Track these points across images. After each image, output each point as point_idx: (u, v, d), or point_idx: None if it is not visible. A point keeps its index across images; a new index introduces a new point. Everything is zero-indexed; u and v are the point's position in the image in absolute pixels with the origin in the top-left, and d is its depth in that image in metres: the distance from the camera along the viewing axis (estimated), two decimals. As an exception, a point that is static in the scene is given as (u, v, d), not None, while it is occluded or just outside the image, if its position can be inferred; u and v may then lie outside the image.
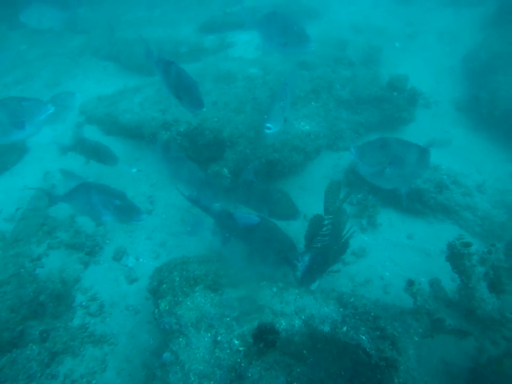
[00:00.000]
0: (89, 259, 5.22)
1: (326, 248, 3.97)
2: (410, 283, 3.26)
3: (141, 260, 5.24)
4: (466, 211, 5.00)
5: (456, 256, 3.19)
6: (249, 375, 3.37)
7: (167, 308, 3.59)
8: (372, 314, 3.24)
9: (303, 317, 3.39)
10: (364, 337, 3.17)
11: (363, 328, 3.20)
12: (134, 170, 5.86)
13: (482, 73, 6.90)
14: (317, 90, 5.92)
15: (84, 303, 4.80)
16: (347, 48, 7.81)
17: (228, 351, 3.23)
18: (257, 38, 9.45)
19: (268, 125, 4.19)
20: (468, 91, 7.04)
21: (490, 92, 6.24)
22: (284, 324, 3.35)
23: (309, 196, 5.40)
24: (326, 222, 4.02)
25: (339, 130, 5.93)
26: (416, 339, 3.20)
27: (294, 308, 3.47)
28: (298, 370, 3.63)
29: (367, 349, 3.15)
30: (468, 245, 3.13)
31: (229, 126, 5.49)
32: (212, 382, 3.14)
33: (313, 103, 5.80)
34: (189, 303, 3.55)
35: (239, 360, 3.22)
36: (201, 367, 3.21)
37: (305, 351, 3.52)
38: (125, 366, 4.34)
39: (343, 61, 7.02)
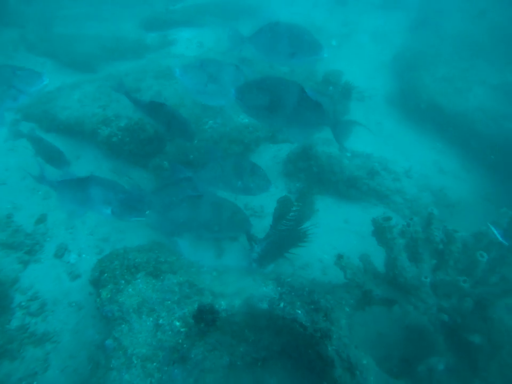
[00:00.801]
0: (29, 258, 5.10)
1: (288, 232, 4.13)
2: (339, 257, 3.50)
3: (84, 255, 5.19)
4: (396, 195, 5.37)
5: (379, 230, 3.47)
6: (193, 356, 3.48)
7: (109, 296, 3.62)
8: (307, 289, 3.45)
9: (242, 296, 3.53)
10: (299, 312, 3.38)
11: (298, 303, 3.41)
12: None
13: (408, 70, 7.42)
14: (255, 85, 6.10)
15: (23, 303, 4.68)
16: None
17: (170, 333, 3.33)
18: (199, 35, 9.59)
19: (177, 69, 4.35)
20: (397, 86, 7.54)
21: (415, 87, 6.74)
22: (223, 304, 3.48)
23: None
24: (294, 208, 4.18)
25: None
26: (348, 310, 3.44)
27: (234, 288, 3.61)
28: (241, 349, 3.78)
29: (303, 322, 3.36)
30: (388, 219, 3.42)
31: (170, 120, 5.55)
32: (154, 364, 3.22)
33: (252, 97, 5.97)
34: (130, 290, 3.60)
35: (180, 341, 3.32)
36: (144, 350, 3.28)
37: (246, 330, 3.67)
38: (69, 362, 4.29)
39: (282, 57, 7.25)
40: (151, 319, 3.43)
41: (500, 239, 3.39)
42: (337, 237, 5.15)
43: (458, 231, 3.39)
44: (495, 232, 3.46)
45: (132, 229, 5.48)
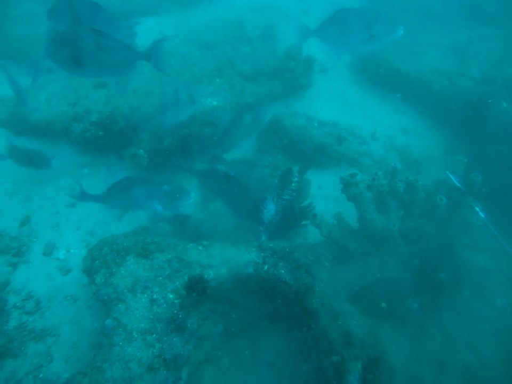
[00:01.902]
0: (18, 260, 5.18)
1: (292, 203, 4.30)
2: (313, 216, 3.76)
3: (72, 250, 5.31)
4: (364, 157, 5.66)
5: (346, 186, 3.74)
6: (189, 325, 3.72)
7: (103, 280, 3.79)
8: (287, 250, 3.71)
9: (228, 265, 3.77)
10: (283, 271, 3.64)
11: (281, 263, 3.67)
12: (86, 171, 5.98)
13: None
14: (220, 68, 6.27)
15: (18, 304, 4.76)
16: (245, 26, 8.19)
17: (165, 305, 3.54)
18: (159, 24, 9.57)
19: None
20: (357, 55, 7.76)
21: (374, 54, 7.00)
22: (212, 274, 3.71)
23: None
24: (295, 179, 4.35)
25: (246, 102, 6.32)
26: (327, 264, 3.72)
27: (220, 259, 3.84)
28: (233, 316, 4.04)
29: (287, 280, 3.63)
30: (353, 175, 3.69)
31: (140, 110, 5.69)
32: (154, 335, 3.44)
33: (217, 79, 6.15)
34: (122, 271, 3.79)
35: (176, 311, 3.55)
36: (143, 325, 3.49)
37: (236, 296, 3.92)
38: (72, 353, 4.45)
39: (243, 38, 7.41)
40: (145, 295, 3.63)
41: (457, 184, 3.70)
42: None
43: (419, 180, 3.69)
44: (453, 178, 3.77)
45: (116, 220, 5.63)
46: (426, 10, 7.43)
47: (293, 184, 4.33)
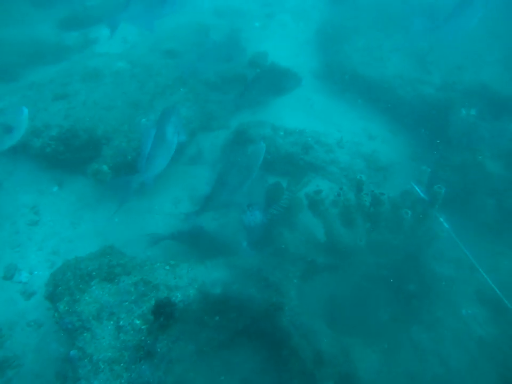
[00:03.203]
0: (-24, 286, 4.95)
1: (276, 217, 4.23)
2: (280, 233, 3.73)
3: (36, 272, 5.11)
4: (331, 165, 5.67)
5: (312, 203, 3.74)
6: (158, 349, 3.62)
7: (66, 308, 3.66)
8: (255, 268, 3.67)
9: (195, 286, 3.70)
10: (252, 290, 3.60)
11: (250, 282, 3.63)
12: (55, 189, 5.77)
13: (331, 44, 7.71)
14: (183, 77, 6.17)
15: (-26, 336, 4.56)
16: (210, 32, 8.11)
17: (132, 332, 3.44)
18: (122, 30, 9.34)
19: None
20: (322, 60, 7.80)
21: (339, 60, 7.05)
22: (179, 295, 3.63)
23: (192, 177, 5.69)
24: (286, 196, 4.27)
25: (211, 111, 6.26)
26: (296, 281, 3.70)
27: (187, 279, 3.77)
28: (204, 335, 3.96)
29: (257, 299, 3.58)
30: (318, 192, 3.68)
31: (102, 124, 5.54)
32: (121, 364, 3.33)
33: (181, 89, 6.05)
34: (87, 298, 3.66)
35: (143, 338, 3.45)
36: (110, 354, 3.38)
37: (206, 317, 3.84)
38: (36, 382, 4.29)
39: (206, 45, 7.32)
40: (111, 322, 3.52)
41: (422, 195, 3.75)
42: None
43: (384, 193, 3.72)
44: (418, 189, 3.82)
45: (80, 238, 5.46)
46: (391, 17, 7.53)
47: (283, 201, 4.29)
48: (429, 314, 3.60)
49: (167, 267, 3.93)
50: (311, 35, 8.65)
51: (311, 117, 6.56)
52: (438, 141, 5.35)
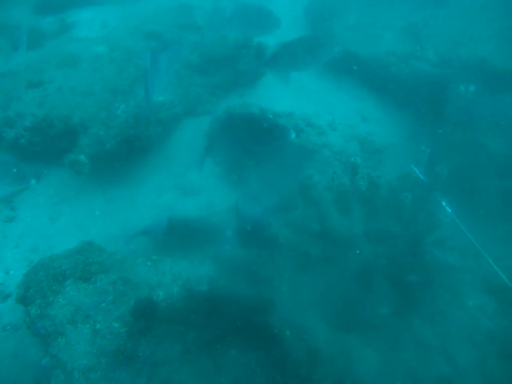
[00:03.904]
0: None
1: None
2: (268, 224, 3.44)
3: (12, 271, 4.80)
4: (324, 149, 5.35)
5: (304, 188, 3.43)
6: (140, 354, 3.33)
7: (39, 312, 3.36)
8: (244, 262, 3.38)
9: (179, 282, 3.41)
10: (240, 286, 3.31)
11: (238, 278, 3.34)
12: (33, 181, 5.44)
13: (321, 22, 7.37)
14: (165, 59, 5.79)
15: None
16: (193, 13, 7.71)
17: (109, 336, 3.16)
18: (102, 14, 8.91)
19: None
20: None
21: (328, 37, 6.68)
22: (161, 294, 3.35)
23: (176, 165, 5.37)
24: None
25: (196, 95, 5.91)
26: (288, 275, 3.41)
27: (171, 276, 3.48)
28: (192, 335, 3.68)
29: (246, 295, 3.30)
30: (310, 176, 3.38)
31: (79, 111, 5.22)
32: (98, 372, 3.05)
33: (163, 72, 5.68)
34: (61, 300, 3.37)
35: (122, 342, 3.16)
36: (85, 361, 3.09)
37: (192, 315, 3.56)
38: (13, 389, 4.01)
39: (190, 26, 6.96)
40: (87, 326, 3.23)
41: (422, 177, 3.46)
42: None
43: (381, 176, 3.42)
44: (417, 172, 3.53)
45: (60, 233, 5.15)
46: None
47: None
48: (432, 307, 3.33)
49: (149, 263, 3.64)
50: (299, 13, 8.28)
51: (301, 98, 6.23)
52: (436, 120, 5.05)
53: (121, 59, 6.11)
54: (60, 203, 5.35)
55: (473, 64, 5.59)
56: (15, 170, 5.27)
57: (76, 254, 3.76)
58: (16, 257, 4.90)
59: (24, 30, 6.16)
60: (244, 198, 4.19)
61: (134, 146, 4.99)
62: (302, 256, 3.49)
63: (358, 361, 2.98)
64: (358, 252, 3.40)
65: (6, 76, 6.32)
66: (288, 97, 6.09)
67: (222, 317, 3.52)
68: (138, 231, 4.41)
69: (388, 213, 3.51)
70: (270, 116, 5.20)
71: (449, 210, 3.60)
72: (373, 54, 6.39)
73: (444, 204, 3.61)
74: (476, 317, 3.24)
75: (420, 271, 3.40)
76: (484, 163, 4.34)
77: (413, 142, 5.48)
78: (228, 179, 5.26)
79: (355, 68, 6.37)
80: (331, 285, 3.46)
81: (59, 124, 5.19)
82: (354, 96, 6.41)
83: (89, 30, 8.40)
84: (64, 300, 3.36)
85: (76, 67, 6.17)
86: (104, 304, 3.31)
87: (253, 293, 3.24)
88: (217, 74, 6.23)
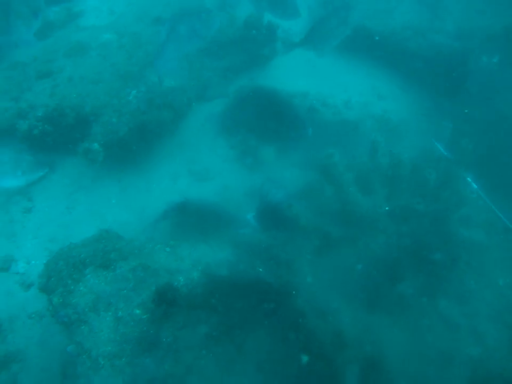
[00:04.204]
0: (-29, 281, 4.69)
1: None
2: (289, 205, 3.36)
3: (33, 261, 4.86)
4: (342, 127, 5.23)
5: (324, 168, 3.33)
6: (164, 339, 3.32)
7: (61, 300, 3.36)
8: (264, 245, 3.32)
9: (199, 268, 3.37)
10: (261, 270, 3.25)
11: (258, 261, 3.28)
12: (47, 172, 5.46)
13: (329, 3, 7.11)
14: (175, 43, 5.69)
15: (-26, 331, 4.31)
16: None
17: (132, 323, 3.14)
18: (108, 1, 8.80)
19: None
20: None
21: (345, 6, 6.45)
22: (182, 280, 3.32)
23: (190, 150, 5.31)
24: None
25: (207, 79, 5.82)
26: (309, 257, 3.34)
27: (190, 261, 3.44)
28: (213, 320, 3.66)
29: (267, 279, 3.24)
30: (331, 155, 3.27)
31: (90, 99, 5.16)
32: (123, 359, 3.05)
33: (173, 56, 5.59)
34: (82, 288, 3.36)
35: (145, 328, 3.14)
36: (109, 348, 3.09)
37: (213, 300, 3.53)
38: (42, 376, 4.06)
39: (199, 9, 6.80)
40: (109, 313, 3.22)
41: (445, 153, 3.34)
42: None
43: (403, 153, 3.30)
44: (440, 147, 3.40)
45: (77, 222, 5.16)
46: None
47: None
48: (460, 286, 3.24)
49: (168, 249, 3.60)
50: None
51: (314, 78, 6.07)
52: (457, 94, 4.86)
53: (130, 45, 6.03)
54: (76, 192, 5.35)
55: (496, 33, 5.33)
56: (30, 158, 5.25)
57: (94, 242, 3.74)
58: (37, 247, 4.95)
59: None
60: (269, 182, 4.10)
61: (147, 132, 4.94)
62: (324, 237, 3.41)
63: (385, 342, 2.92)
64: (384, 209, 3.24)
65: (16, 67, 6.31)
66: (300, 77, 5.94)
67: (243, 301, 3.49)
68: (159, 217, 4.38)
69: (411, 190, 3.40)
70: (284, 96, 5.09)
71: (475, 186, 3.47)
72: (388, 29, 6.17)
73: (469, 179, 3.49)
74: (506, 296, 3.14)
75: (445, 249, 3.30)
76: (509, 137, 4.18)
77: (433, 118, 5.31)
78: (242, 162, 5.18)
79: (369, 43, 6.15)
80: (354, 265, 3.38)
81: (71, 113, 5.16)
82: (369, 73, 6.23)
83: (96, 18, 8.32)
84: (85, 288, 3.36)
85: (85, 55, 6.13)
86: (125, 291, 3.29)
87: (274, 276, 3.19)
88: (227, 56, 6.11)
